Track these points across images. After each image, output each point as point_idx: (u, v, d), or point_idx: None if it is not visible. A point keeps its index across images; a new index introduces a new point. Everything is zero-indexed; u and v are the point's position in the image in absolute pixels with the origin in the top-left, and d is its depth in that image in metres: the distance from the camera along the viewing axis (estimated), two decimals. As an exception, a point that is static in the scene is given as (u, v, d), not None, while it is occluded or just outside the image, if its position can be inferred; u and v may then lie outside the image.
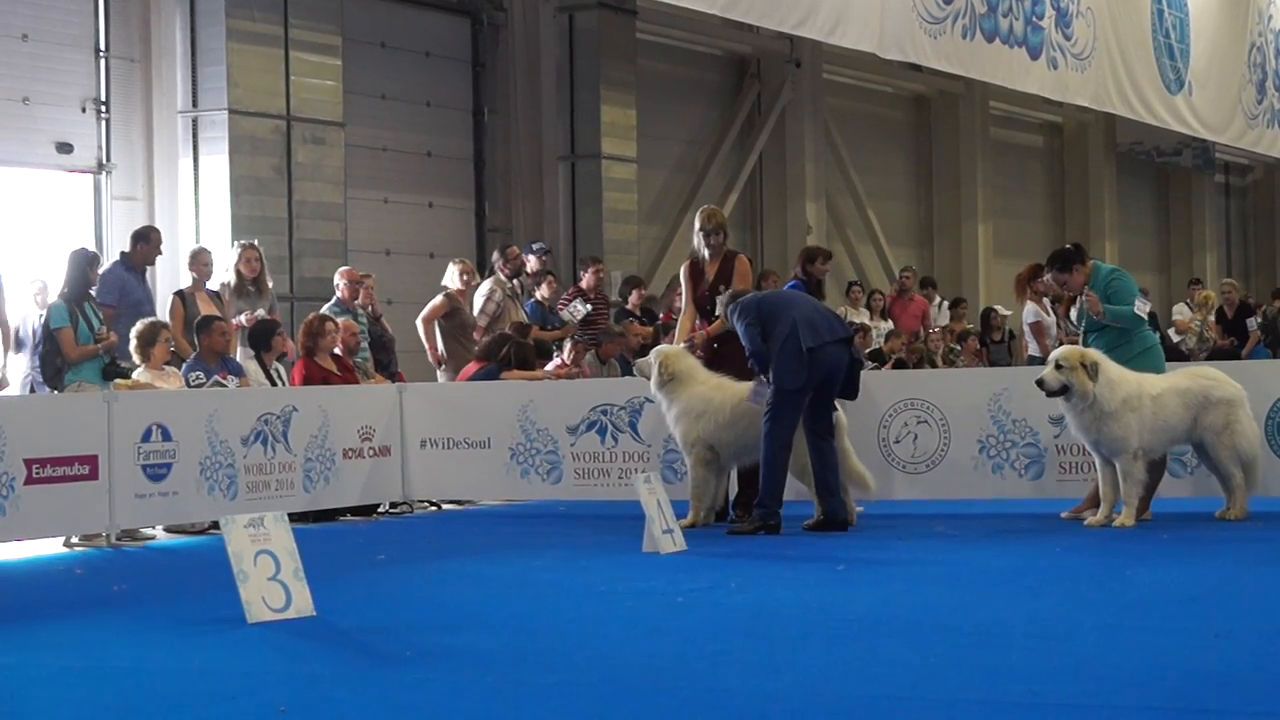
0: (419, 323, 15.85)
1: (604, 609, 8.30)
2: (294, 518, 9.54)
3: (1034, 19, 23.93)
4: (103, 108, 16.69)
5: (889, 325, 21.58)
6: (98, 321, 12.79)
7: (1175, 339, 22.11)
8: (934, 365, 20.38)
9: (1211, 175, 36.10)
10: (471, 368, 14.83)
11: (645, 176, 22.03)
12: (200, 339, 13.43)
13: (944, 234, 28.80)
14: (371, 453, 13.80)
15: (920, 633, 7.20)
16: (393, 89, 19.51)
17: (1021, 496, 12.67)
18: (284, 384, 13.92)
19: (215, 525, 12.15)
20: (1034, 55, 24.03)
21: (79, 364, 12.71)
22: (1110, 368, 11.31)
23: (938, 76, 26.35)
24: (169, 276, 16.47)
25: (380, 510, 14.22)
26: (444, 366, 15.68)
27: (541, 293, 16.86)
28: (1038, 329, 17.45)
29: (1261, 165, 37.23)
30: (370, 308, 15.75)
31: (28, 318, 14.28)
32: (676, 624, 7.74)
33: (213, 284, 14.62)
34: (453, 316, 15.70)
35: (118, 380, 12.60)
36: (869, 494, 11.96)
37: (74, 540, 12.10)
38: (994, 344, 22.46)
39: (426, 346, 15.79)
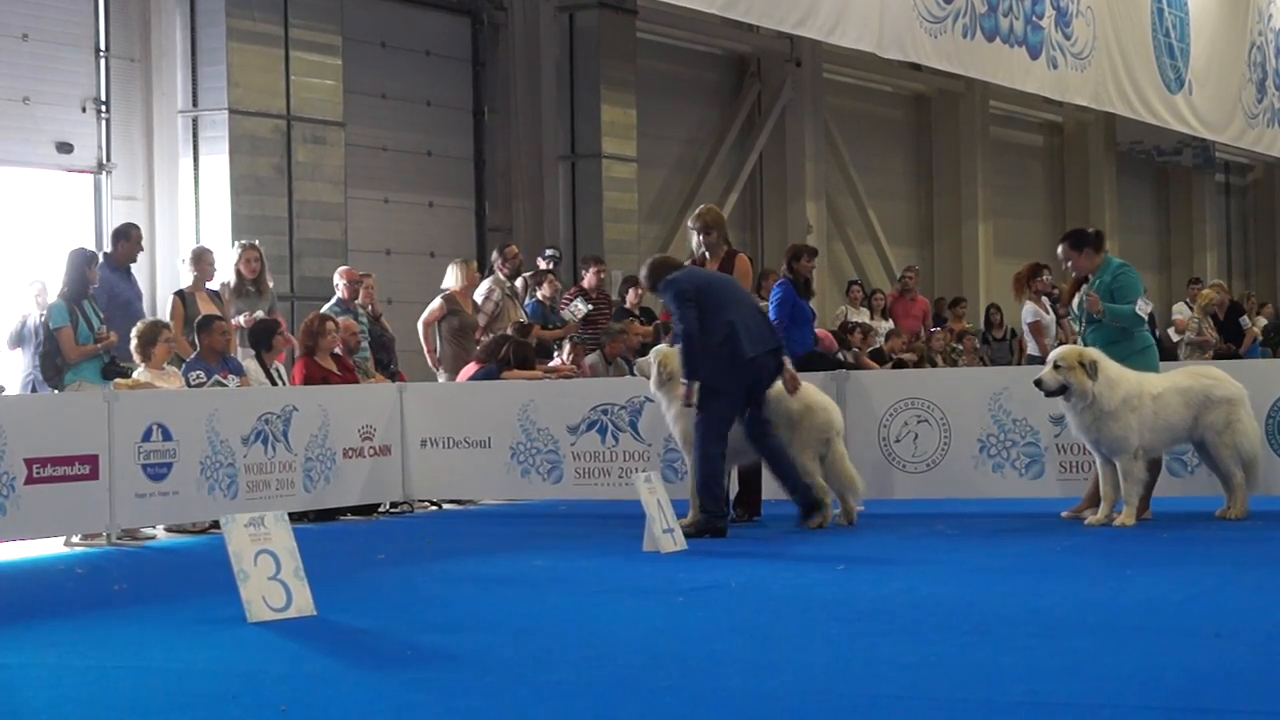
0: (419, 326, 15.85)
1: (604, 608, 8.30)
2: (294, 517, 9.55)
3: (1034, 18, 23.93)
4: (103, 107, 16.69)
5: (889, 325, 21.58)
6: (98, 321, 12.79)
7: (1175, 338, 22.12)
8: (934, 365, 20.39)
9: (1212, 174, 36.10)
10: (471, 368, 14.84)
11: (645, 176, 22.04)
12: (201, 338, 13.44)
13: (944, 233, 28.81)
14: (372, 452, 13.80)
15: (920, 632, 7.20)
16: (393, 88, 19.51)
17: (1022, 496, 12.67)
18: (284, 383, 13.93)
19: (216, 525, 12.16)
20: (1034, 54, 24.03)
21: (79, 364, 12.71)
22: (1110, 367, 11.31)
23: (938, 76, 26.35)
24: (169, 276, 16.48)
25: (381, 510, 14.22)
26: (441, 369, 15.66)
27: (543, 292, 16.86)
28: (1037, 328, 17.44)
29: (1262, 164, 37.23)
30: (370, 307, 15.76)
31: (28, 317, 14.29)
32: (677, 623, 7.74)
33: (213, 284, 14.62)
34: (452, 319, 15.69)
35: (118, 380, 12.60)
36: (858, 496, 11.95)
37: (74, 540, 12.10)
38: (996, 341, 22.48)
39: (425, 350, 15.78)
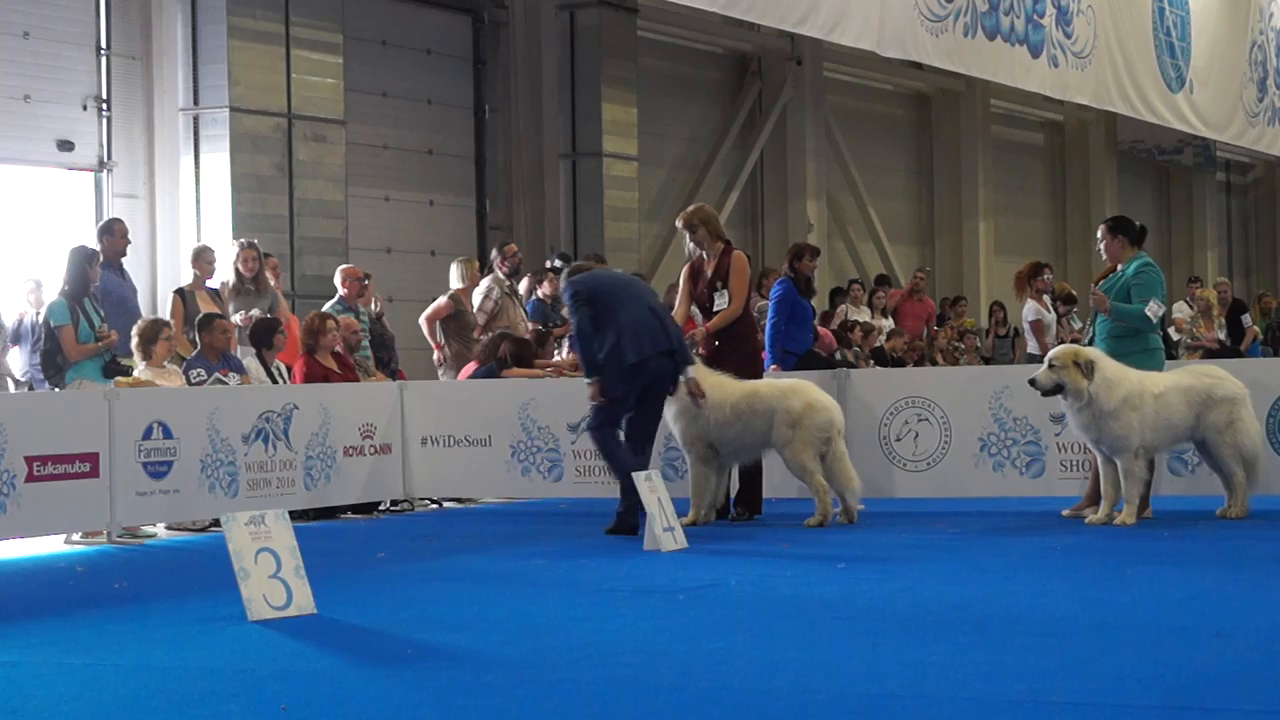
0: (421, 322, 15.85)
1: (605, 607, 8.30)
2: (295, 515, 9.56)
3: (1035, 17, 23.93)
4: (104, 105, 16.70)
5: (889, 324, 21.57)
6: (98, 319, 12.80)
7: (1175, 337, 22.14)
8: (934, 364, 20.39)
9: (1212, 173, 36.10)
10: (471, 366, 14.84)
11: (646, 174, 22.05)
12: (201, 336, 13.44)
13: (945, 232, 28.80)
14: (372, 450, 13.80)
15: (921, 630, 7.20)
16: (394, 87, 19.51)
17: (1022, 494, 12.67)
18: (285, 381, 13.93)
19: (216, 523, 12.18)
20: (1035, 53, 24.03)
21: (80, 362, 12.71)
22: (1107, 367, 11.29)
23: (939, 74, 26.35)
24: (170, 274, 16.48)
25: (381, 508, 14.23)
26: (444, 367, 15.66)
27: (544, 290, 16.86)
28: (1038, 327, 17.45)
29: (1262, 163, 37.23)
30: (373, 305, 15.75)
31: (24, 315, 14.29)
32: (677, 622, 7.74)
33: (213, 282, 14.62)
34: (458, 317, 15.69)
35: (119, 378, 12.60)
36: (856, 495, 11.93)
37: (75, 538, 12.11)
38: (999, 338, 22.49)
39: (433, 346, 15.77)
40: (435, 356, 15.81)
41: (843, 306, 21.61)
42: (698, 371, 11.90)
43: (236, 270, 14.71)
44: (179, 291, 14.50)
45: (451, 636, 7.47)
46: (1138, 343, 11.70)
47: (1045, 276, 17.69)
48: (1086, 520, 11.49)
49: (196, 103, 16.81)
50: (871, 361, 19.31)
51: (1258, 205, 38.90)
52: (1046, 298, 17.75)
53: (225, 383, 13.06)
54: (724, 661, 6.62)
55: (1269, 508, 11.82)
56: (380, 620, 8.01)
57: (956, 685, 6.05)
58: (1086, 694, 5.80)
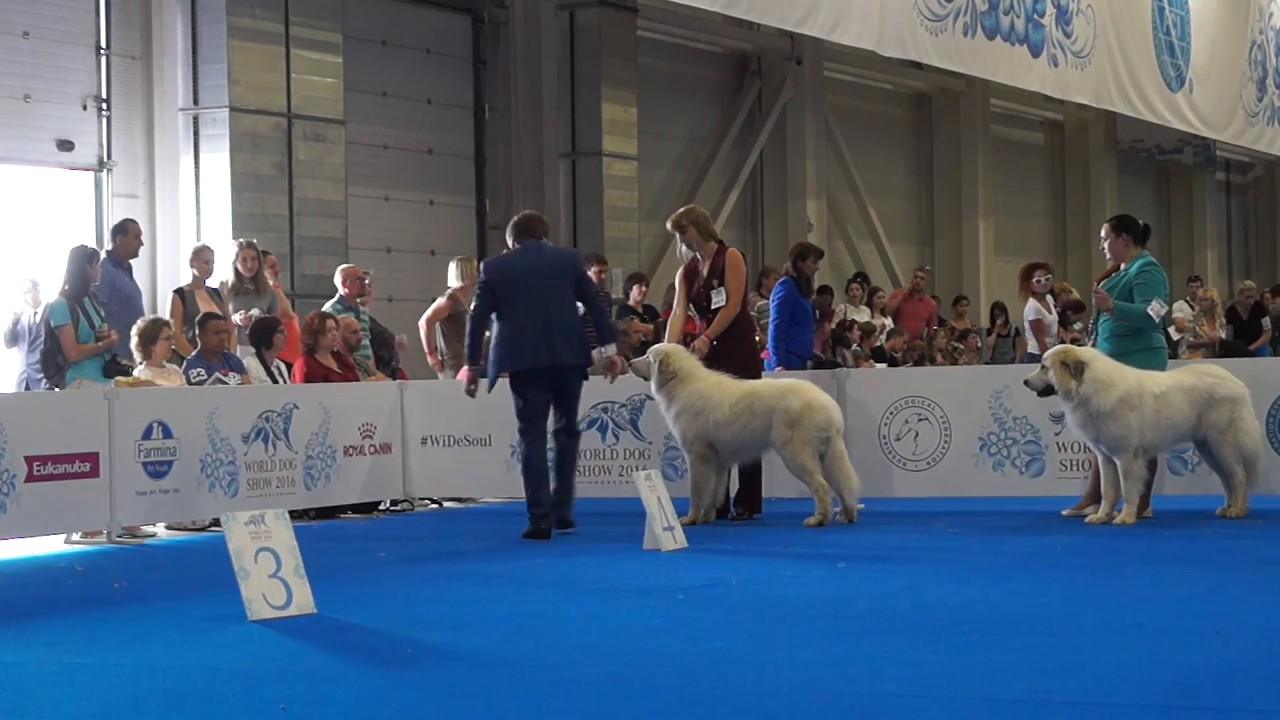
0: (421, 324, 15.83)
1: (605, 606, 8.30)
2: (295, 515, 9.56)
3: (1035, 16, 23.93)
4: (104, 105, 16.69)
5: (889, 323, 21.56)
6: (99, 319, 12.79)
7: (1176, 336, 22.15)
8: (934, 363, 20.39)
9: (1212, 173, 36.09)
10: (471, 366, 14.82)
11: (646, 174, 22.04)
12: (201, 336, 13.44)
13: (945, 231, 28.80)
14: (372, 450, 13.80)
15: (921, 630, 7.20)
16: (394, 86, 19.51)
17: (1022, 494, 12.67)
18: (285, 381, 13.93)
19: (216, 522, 12.18)
20: (1035, 53, 24.02)
21: (80, 361, 12.71)
22: (1101, 367, 11.26)
23: (939, 74, 26.35)
24: (170, 274, 16.48)
25: (381, 507, 14.23)
26: (445, 368, 15.63)
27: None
28: (1038, 327, 17.45)
29: (1262, 163, 37.22)
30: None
31: (21, 315, 14.29)
32: (677, 621, 7.74)
33: (212, 281, 14.62)
34: (458, 317, 15.66)
35: (119, 378, 12.60)
36: (855, 495, 11.92)
37: (75, 537, 12.11)
38: (1001, 337, 22.49)
39: (426, 349, 15.71)
40: (430, 361, 15.74)
41: (842, 306, 21.60)
42: (699, 371, 11.91)
43: (236, 270, 14.71)
44: (179, 291, 14.51)
45: (451, 636, 7.47)
46: (1140, 342, 11.70)
47: (1039, 279, 17.61)
48: (1086, 520, 11.49)
49: (196, 102, 16.81)
50: (872, 361, 19.30)
51: (1258, 205, 38.90)
52: (1049, 298, 17.74)
53: (225, 382, 13.06)
54: (724, 661, 6.62)
55: (1269, 507, 11.82)
56: (380, 620, 8.01)
57: (956, 685, 6.05)
58: (1086, 694, 5.80)
